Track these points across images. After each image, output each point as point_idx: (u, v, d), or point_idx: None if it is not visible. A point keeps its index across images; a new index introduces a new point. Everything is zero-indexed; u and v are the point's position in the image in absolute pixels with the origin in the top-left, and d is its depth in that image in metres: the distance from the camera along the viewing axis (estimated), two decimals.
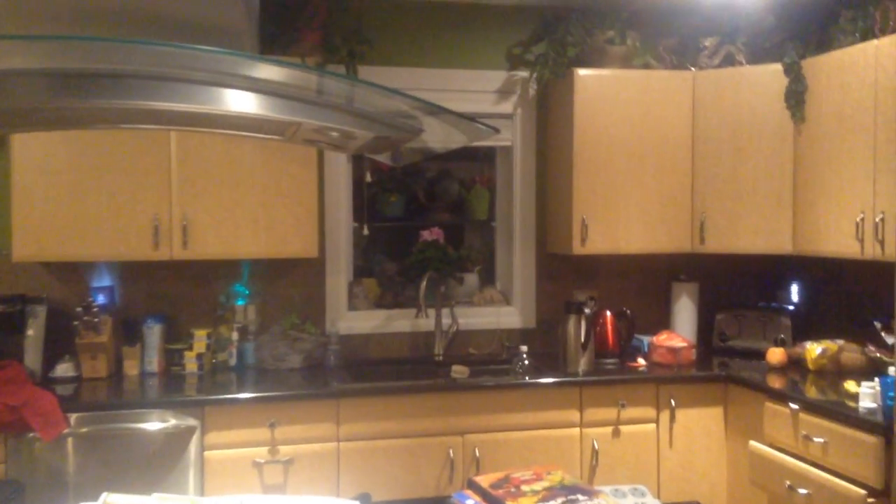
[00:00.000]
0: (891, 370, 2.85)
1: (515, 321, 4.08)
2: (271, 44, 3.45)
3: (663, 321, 4.03)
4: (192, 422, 3.10)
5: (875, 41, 3.17)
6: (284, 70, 1.58)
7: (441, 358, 3.87)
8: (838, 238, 3.33)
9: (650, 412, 3.50)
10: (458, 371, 3.51)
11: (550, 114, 4.02)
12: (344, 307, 3.92)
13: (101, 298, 3.53)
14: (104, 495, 1.55)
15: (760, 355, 3.70)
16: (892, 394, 2.74)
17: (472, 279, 4.21)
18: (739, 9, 3.77)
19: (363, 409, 3.25)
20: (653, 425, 3.50)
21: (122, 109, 1.68)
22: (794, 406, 3.06)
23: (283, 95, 1.59)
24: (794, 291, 4.09)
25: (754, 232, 3.70)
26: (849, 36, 3.40)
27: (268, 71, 1.57)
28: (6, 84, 1.47)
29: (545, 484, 1.74)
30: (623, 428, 3.47)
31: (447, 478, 3.31)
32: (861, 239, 3.19)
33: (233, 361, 3.64)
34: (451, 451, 3.30)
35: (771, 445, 3.14)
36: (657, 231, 3.79)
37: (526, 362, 3.54)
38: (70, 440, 3.03)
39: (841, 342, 3.47)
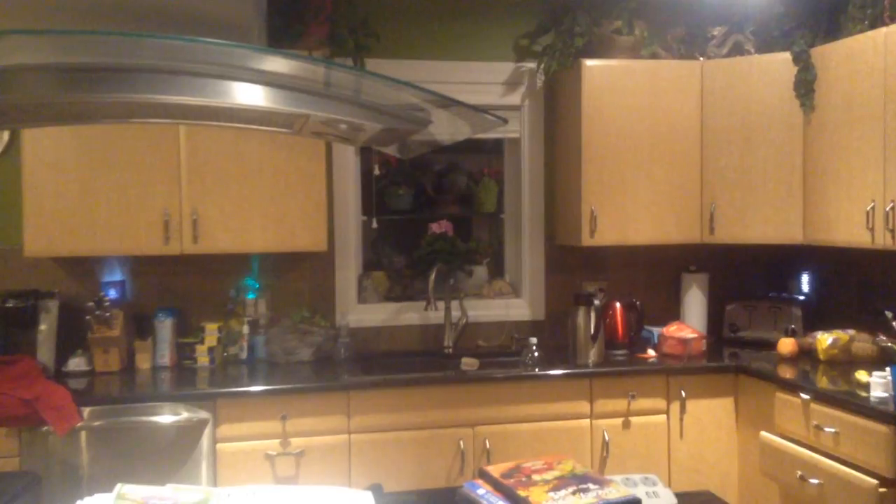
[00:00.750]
0: None
1: (525, 313, 4.08)
2: (278, 37, 3.45)
3: (673, 312, 4.02)
4: (204, 415, 3.11)
5: (884, 28, 3.15)
6: (293, 62, 1.58)
7: (451, 350, 3.88)
8: (849, 227, 3.32)
9: (660, 403, 3.50)
10: (468, 363, 3.51)
11: (558, 105, 4.01)
12: (353, 300, 3.93)
13: (112, 293, 3.55)
14: (118, 486, 1.56)
15: (771, 346, 3.69)
16: None
17: (480, 271, 4.21)
18: None
19: (374, 401, 3.26)
20: (663, 416, 3.50)
21: (131, 103, 1.68)
22: (805, 396, 3.05)
23: (292, 88, 1.59)
24: (805, 281, 4.08)
25: (764, 222, 3.69)
26: (858, 23, 3.38)
27: (276, 63, 1.57)
28: (15, 79, 1.48)
29: (556, 473, 1.75)
30: (633, 419, 3.47)
31: (458, 469, 3.32)
32: (871, 228, 3.18)
33: (244, 355, 3.66)
34: (461, 443, 3.31)
35: (782, 436, 3.14)
36: (666, 222, 3.78)
37: (535, 354, 3.54)
38: (83, 433, 3.05)
39: (852, 332, 3.46)
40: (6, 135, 3.54)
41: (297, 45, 3.46)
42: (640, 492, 1.84)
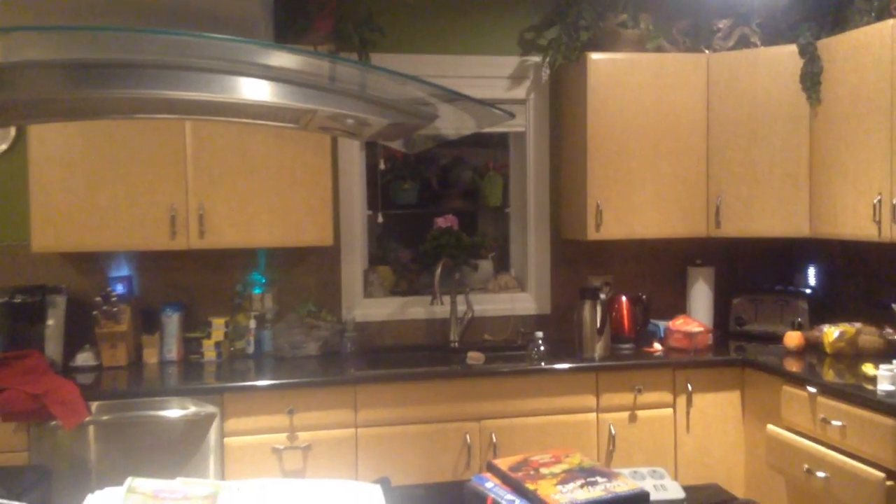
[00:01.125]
0: None
1: (530, 307, 4.09)
2: (283, 33, 3.46)
3: (679, 306, 4.02)
4: (211, 409, 3.13)
5: (891, 21, 3.13)
6: (300, 57, 1.58)
7: (457, 344, 3.88)
8: (855, 220, 3.31)
9: (667, 397, 3.50)
10: (474, 357, 3.52)
11: (563, 99, 4.00)
12: (359, 294, 3.93)
13: (119, 288, 3.56)
14: (129, 480, 1.57)
15: (777, 339, 3.68)
16: None
17: (486, 266, 4.21)
18: None
19: (380, 395, 3.27)
20: (669, 410, 3.50)
21: (137, 99, 1.69)
22: (811, 389, 3.05)
23: (299, 83, 1.59)
24: (811, 274, 4.07)
25: (770, 215, 3.68)
26: (864, 16, 3.37)
27: (283, 58, 1.57)
28: (22, 75, 1.48)
29: (564, 466, 1.75)
30: (640, 413, 3.47)
31: (464, 463, 3.33)
32: (878, 221, 3.17)
33: (250, 349, 3.67)
34: (468, 437, 3.31)
35: (788, 429, 3.14)
36: (672, 215, 3.78)
37: (541, 348, 3.54)
38: (92, 428, 3.07)
39: (858, 325, 3.46)
40: (13, 130, 3.55)
41: (303, 41, 3.46)
42: (647, 485, 1.85)
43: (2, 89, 1.49)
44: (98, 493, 1.59)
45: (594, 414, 3.44)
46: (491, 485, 1.73)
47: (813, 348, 3.55)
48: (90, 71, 1.48)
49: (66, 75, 1.49)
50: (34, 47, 1.44)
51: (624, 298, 3.81)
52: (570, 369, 3.43)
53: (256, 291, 3.72)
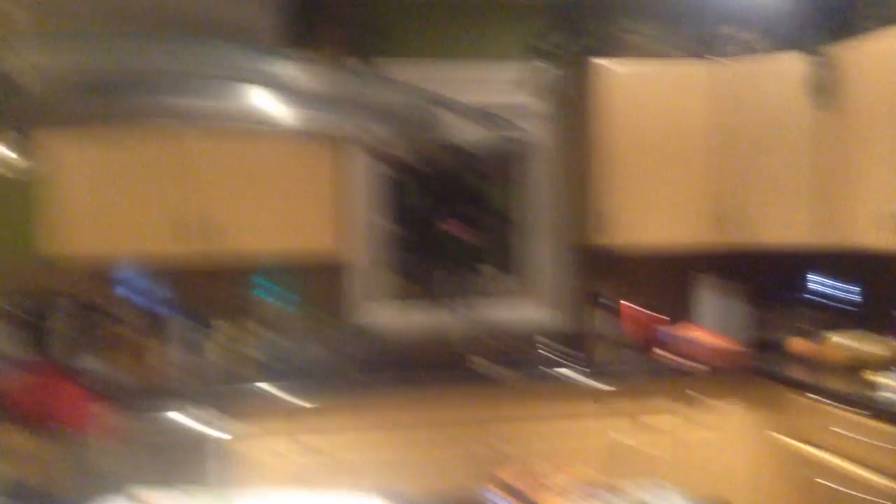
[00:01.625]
0: None
1: (536, 313, 4.07)
2: (289, 40, 3.45)
3: (686, 313, 4.00)
4: (216, 414, 3.12)
5: None
6: (304, 67, 1.58)
7: (461, 351, 3.87)
8: (862, 229, 3.29)
9: (673, 405, 3.48)
10: (479, 364, 3.51)
11: (569, 105, 3.99)
12: (364, 300, 3.93)
13: (125, 293, 3.56)
14: (129, 489, 1.57)
15: (784, 347, 3.66)
16: None
17: (492, 272, 4.20)
18: None
19: (385, 401, 3.26)
20: (675, 418, 3.48)
21: (143, 107, 1.69)
22: (818, 398, 3.04)
23: (302, 92, 1.59)
24: (818, 283, 4.04)
25: (777, 223, 3.66)
26: (871, 22, 3.35)
27: (287, 68, 1.57)
28: (28, 82, 1.49)
29: (568, 479, 1.75)
30: (645, 421, 3.45)
31: (469, 470, 3.30)
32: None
33: (256, 354, 3.66)
34: (472, 444, 3.30)
35: (795, 438, 3.13)
36: (679, 222, 3.77)
37: (547, 354, 3.53)
38: (94, 433, 3.06)
39: (865, 334, 3.43)
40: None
41: (310, 48, 3.46)
42: (651, 498, 1.84)
43: (7, 96, 1.50)
44: (99, 501, 1.59)
45: (599, 422, 3.43)
46: (495, 496, 1.72)
47: (819, 357, 3.53)
48: (97, 79, 1.49)
49: (73, 83, 1.50)
50: (41, 55, 1.45)
51: (630, 305, 3.80)
52: (575, 376, 3.41)
53: (262, 296, 3.72)
